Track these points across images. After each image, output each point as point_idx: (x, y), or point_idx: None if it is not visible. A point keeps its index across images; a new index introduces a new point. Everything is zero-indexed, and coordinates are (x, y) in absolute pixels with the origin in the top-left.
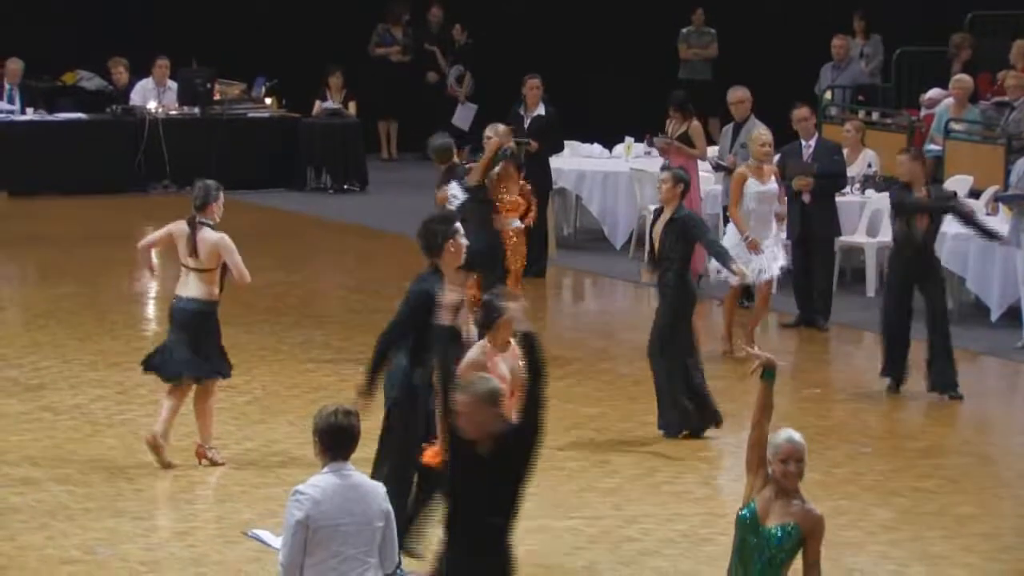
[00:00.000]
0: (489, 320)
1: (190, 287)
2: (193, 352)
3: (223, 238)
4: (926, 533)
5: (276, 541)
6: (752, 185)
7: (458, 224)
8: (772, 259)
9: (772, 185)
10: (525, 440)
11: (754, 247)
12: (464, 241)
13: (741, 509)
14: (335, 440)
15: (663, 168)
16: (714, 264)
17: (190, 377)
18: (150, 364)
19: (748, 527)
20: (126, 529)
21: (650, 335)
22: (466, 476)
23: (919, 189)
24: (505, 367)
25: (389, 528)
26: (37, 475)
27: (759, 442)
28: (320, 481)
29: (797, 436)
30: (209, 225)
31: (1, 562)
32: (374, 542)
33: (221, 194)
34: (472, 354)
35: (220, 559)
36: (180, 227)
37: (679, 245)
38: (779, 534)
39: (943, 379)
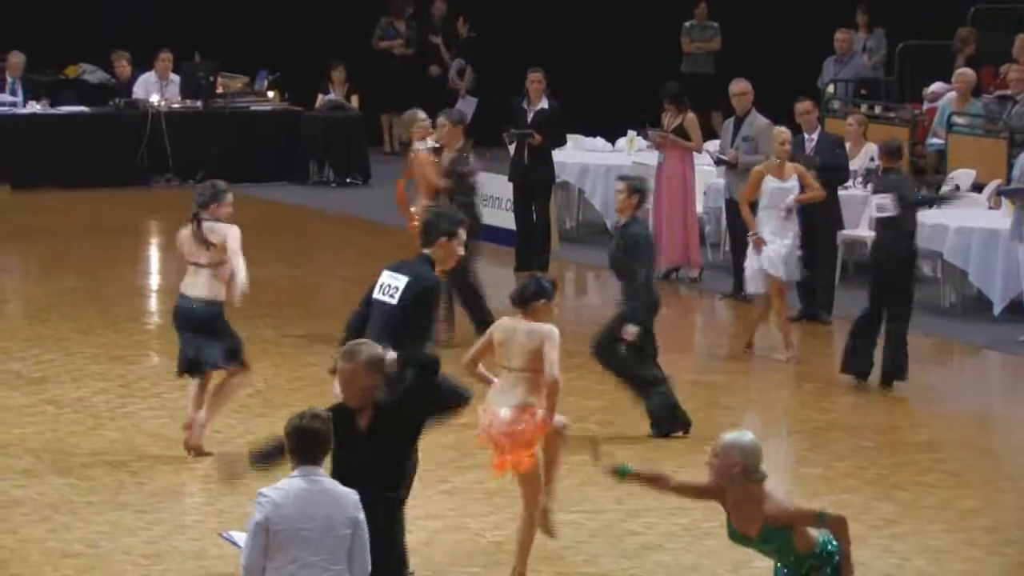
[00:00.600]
0: (531, 297)
1: (198, 286)
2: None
3: (234, 229)
4: (928, 527)
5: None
6: (770, 182)
7: (462, 229)
8: (779, 259)
9: (791, 183)
10: (402, 416)
11: (759, 244)
12: (460, 250)
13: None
14: (302, 443)
15: (619, 178)
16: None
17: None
18: (184, 368)
19: (742, 541)
20: (128, 522)
21: (601, 335)
22: (347, 451)
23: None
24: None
25: (358, 536)
26: (39, 468)
27: (677, 490)
28: (285, 484)
29: (729, 436)
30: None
31: (3, 555)
32: (339, 550)
33: (229, 196)
34: (506, 322)
35: (221, 552)
36: (182, 233)
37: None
38: (766, 542)
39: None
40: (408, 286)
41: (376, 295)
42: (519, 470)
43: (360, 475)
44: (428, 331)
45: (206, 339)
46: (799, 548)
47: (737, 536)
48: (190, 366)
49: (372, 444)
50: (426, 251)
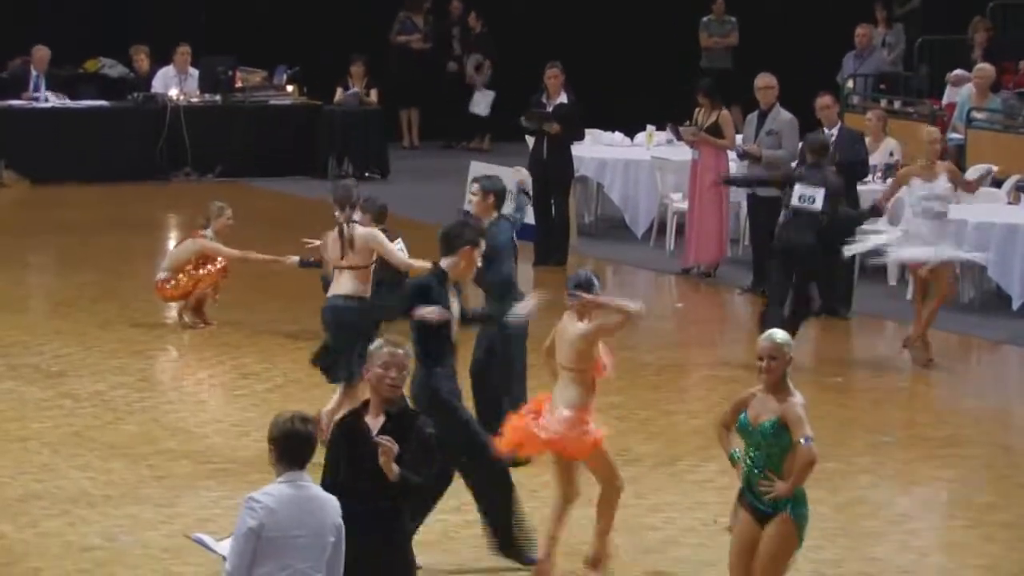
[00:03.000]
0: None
1: (343, 284)
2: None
3: (373, 232)
4: (946, 522)
5: (218, 546)
6: (917, 186)
7: (482, 240)
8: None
9: (939, 184)
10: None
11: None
12: (479, 262)
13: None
14: (292, 448)
15: (473, 180)
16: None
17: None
18: (319, 362)
19: (745, 432)
20: (147, 516)
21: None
22: (353, 455)
23: None
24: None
25: (339, 543)
26: (58, 462)
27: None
28: (275, 490)
29: (778, 335)
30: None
31: (22, 548)
32: (323, 557)
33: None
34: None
35: None
36: (328, 236)
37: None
38: (765, 430)
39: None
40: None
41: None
42: (580, 458)
43: (362, 481)
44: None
45: (345, 344)
46: (785, 468)
47: (745, 427)
48: (324, 368)
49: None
50: (443, 262)
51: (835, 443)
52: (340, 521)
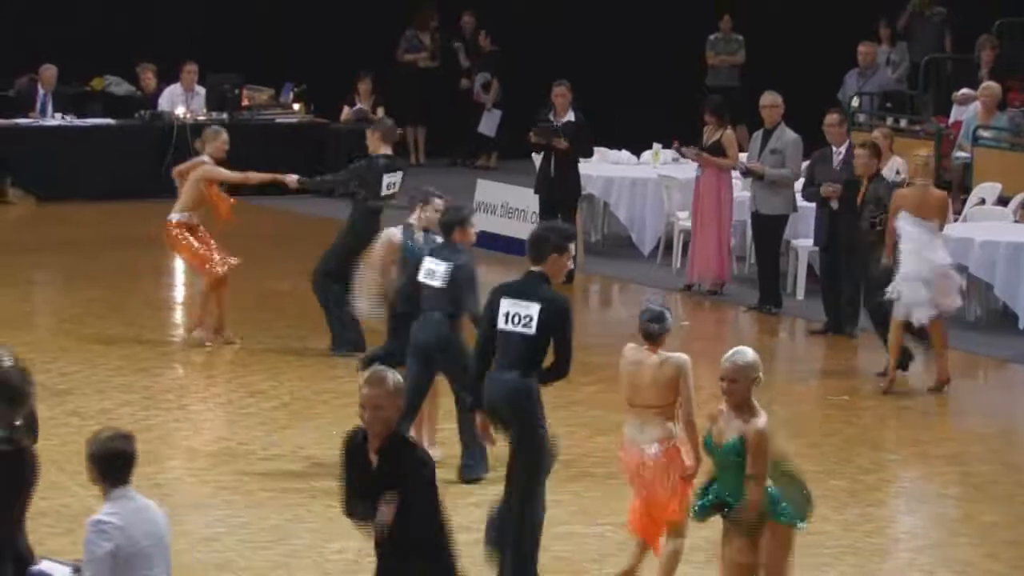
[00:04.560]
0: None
1: None
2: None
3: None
4: (952, 540)
5: (61, 571)
6: (908, 225)
7: (572, 243)
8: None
9: (926, 232)
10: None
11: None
12: (569, 264)
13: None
14: (115, 465)
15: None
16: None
17: None
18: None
19: (710, 450)
20: None
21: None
22: (361, 490)
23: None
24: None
25: (169, 544)
26: (63, 480)
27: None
28: (118, 508)
29: (739, 357)
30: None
31: None
32: (167, 558)
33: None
34: (629, 354)
35: (246, 565)
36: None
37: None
38: (728, 449)
39: None
40: (544, 312)
41: (503, 326)
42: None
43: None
44: (569, 353)
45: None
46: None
47: (710, 445)
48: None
49: (378, 481)
50: (536, 268)
51: (841, 460)
52: (167, 522)
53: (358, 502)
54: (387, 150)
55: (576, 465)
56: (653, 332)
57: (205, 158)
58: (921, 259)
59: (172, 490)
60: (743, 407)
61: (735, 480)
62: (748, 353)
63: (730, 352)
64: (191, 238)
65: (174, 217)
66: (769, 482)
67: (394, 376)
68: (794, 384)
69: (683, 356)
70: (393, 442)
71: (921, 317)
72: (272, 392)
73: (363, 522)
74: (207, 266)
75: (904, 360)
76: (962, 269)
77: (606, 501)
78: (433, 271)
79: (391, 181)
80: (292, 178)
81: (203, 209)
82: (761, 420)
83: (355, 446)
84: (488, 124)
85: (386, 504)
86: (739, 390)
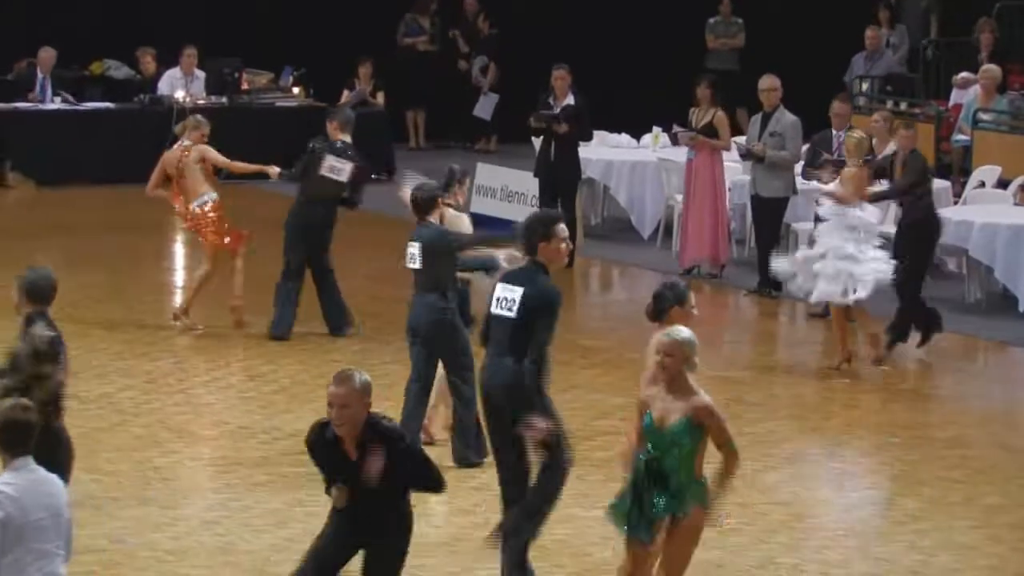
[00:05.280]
0: (666, 307)
1: None
2: None
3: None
4: (953, 523)
5: None
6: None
7: (558, 225)
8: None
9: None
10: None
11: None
12: (565, 246)
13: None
14: (17, 436)
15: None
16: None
17: None
18: None
19: (652, 433)
20: (153, 518)
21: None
22: (341, 480)
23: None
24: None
25: (70, 519)
26: None
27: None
28: (13, 478)
29: (675, 332)
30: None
31: None
32: (63, 534)
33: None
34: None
35: (248, 548)
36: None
37: None
38: (676, 430)
39: None
40: (526, 297)
41: (494, 309)
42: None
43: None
44: (547, 341)
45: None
46: (696, 465)
47: (651, 430)
48: None
49: (359, 474)
50: (532, 256)
51: (841, 444)
52: (67, 498)
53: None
54: (345, 137)
55: (576, 449)
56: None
57: (187, 143)
58: (839, 239)
59: (173, 474)
60: (679, 387)
61: (677, 464)
62: (685, 331)
63: (668, 330)
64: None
65: (197, 207)
66: (682, 475)
67: (361, 376)
68: (793, 367)
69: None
70: (371, 430)
71: (854, 295)
72: (271, 376)
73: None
74: (202, 228)
75: (899, 336)
76: (962, 252)
77: (606, 484)
78: (413, 254)
79: (333, 165)
80: (275, 171)
81: (212, 181)
82: (703, 395)
83: (324, 442)
84: (484, 107)
85: (372, 456)
86: (674, 364)
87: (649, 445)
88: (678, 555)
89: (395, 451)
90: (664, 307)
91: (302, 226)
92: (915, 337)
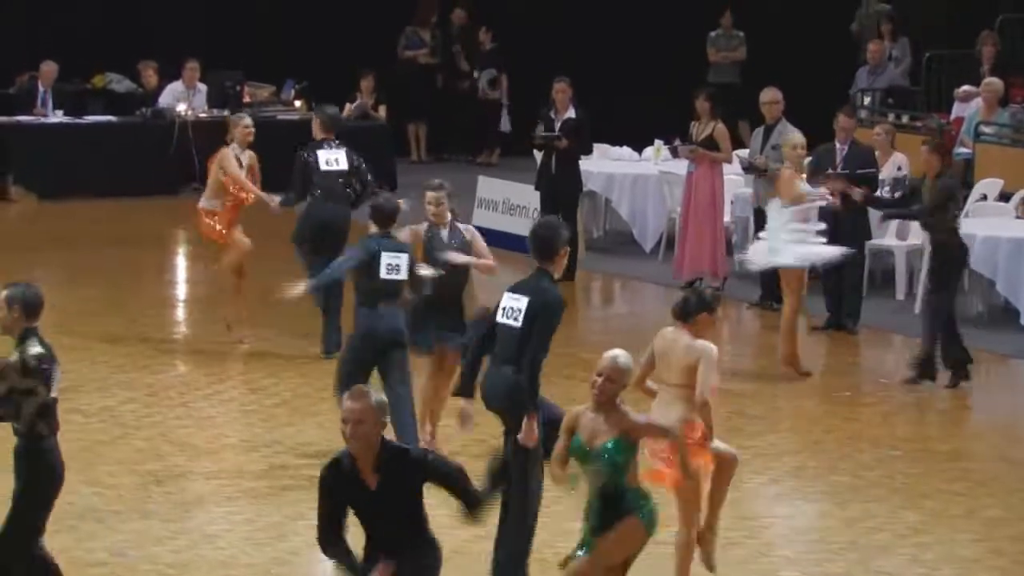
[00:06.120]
0: (695, 310)
1: None
2: None
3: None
4: (955, 536)
5: None
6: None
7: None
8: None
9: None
10: (416, 476)
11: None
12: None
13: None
14: None
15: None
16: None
17: None
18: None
19: (581, 454)
20: (155, 531)
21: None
22: (359, 513)
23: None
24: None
25: None
26: (67, 477)
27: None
28: None
29: (622, 359)
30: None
31: None
32: None
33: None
34: (668, 333)
35: (249, 562)
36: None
37: None
38: (607, 450)
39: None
40: (531, 304)
41: (500, 319)
42: (672, 486)
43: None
44: (543, 347)
45: None
46: (629, 476)
47: (580, 449)
48: None
49: (381, 503)
50: (543, 266)
51: (843, 456)
52: None
53: (338, 538)
54: (329, 136)
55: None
56: (683, 312)
57: (234, 145)
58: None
59: (175, 487)
60: (610, 409)
61: (609, 480)
62: (629, 358)
63: (612, 352)
64: (216, 224)
65: (202, 204)
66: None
67: (377, 395)
68: (795, 380)
69: (709, 345)
70: (387, 454)
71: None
72: (273, 389)
73: (336, 561)
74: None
75: (929, 371)
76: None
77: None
78: (396, 265)
79: (328, 158)
80: (275, 202)
81: (227, 197)
82: (631, 415)
83: (343, 474)
84: (505, 120)
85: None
86: (613, 390)
87: (578, 463)
88: (606, 553)
89: (420, 467)
90: (692, 310)
91: (319, 226)
92: (944, 376)
